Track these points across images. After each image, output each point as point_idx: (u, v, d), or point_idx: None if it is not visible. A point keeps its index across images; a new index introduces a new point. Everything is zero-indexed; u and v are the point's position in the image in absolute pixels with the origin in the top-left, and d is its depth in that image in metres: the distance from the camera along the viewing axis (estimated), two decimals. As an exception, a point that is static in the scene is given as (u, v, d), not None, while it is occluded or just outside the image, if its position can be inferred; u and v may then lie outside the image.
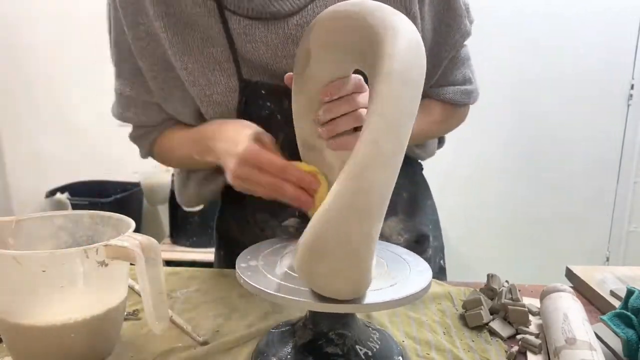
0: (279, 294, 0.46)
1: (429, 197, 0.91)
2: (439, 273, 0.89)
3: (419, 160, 0.89)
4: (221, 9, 0.66)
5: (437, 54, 0.73)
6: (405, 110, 0.43)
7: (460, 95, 0.76)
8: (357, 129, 0.57)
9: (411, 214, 0.83)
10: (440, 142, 0.88)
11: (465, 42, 0.75)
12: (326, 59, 0.56)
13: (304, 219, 0.60)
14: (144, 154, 0.83)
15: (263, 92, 0.69)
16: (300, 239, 0.46)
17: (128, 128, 0.81)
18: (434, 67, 0.73)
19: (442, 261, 0.90)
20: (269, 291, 0.47)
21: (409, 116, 0.44)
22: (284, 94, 0.65)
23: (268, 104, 0.70)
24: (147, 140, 0.80)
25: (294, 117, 0.62)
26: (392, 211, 0.80)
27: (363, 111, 0.57)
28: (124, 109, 0.77)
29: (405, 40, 0.45)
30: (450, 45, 0.72)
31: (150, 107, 0.75)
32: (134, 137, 0.82)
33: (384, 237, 0.79)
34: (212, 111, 0.71)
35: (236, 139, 0.61)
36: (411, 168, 0.87)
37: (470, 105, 0.82)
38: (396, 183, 0.81)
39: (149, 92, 0.74)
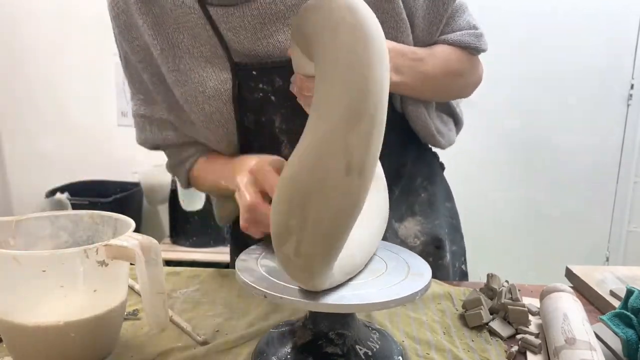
0: (278, 294, 0.46)
1: (448, 199, 0.89)
2: (461, 278, 0.87)
3: (440, 160, 0.88)
4: (202, 4, 0.67)
5: (435, 10, 0.72)
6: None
7: (469, 37, 0.75)
8: None
9: (429, 215, 0.81)
10: (458, 124, 0.86)
11: None
12: (299, 52, 0.56)
13: None
14: (184, 184, 0.83)
15: (254, 72, 0.70)
16: None
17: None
18: (433, 24, 0.73)
19: (463, 266, 0.88)
20: (268, 291, 0.47)
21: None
22: (275, 72, 0.67)
23: (261, 85, 0.70)
24: (182, 169, 0.80)
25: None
26: (409, 211, 0.79)
27: None
28: (141, 129, 0.78)
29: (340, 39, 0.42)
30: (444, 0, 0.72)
31: (165, 125, 0.76)
32: (171, 167, 0.83)
33: (400, 238, 0.78)
34: (207, 107, 0.71)
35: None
36: (430, 168, 0.85)
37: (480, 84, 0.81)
38: (415, 183, 0.82)
39: (162, 109, 0.75)
